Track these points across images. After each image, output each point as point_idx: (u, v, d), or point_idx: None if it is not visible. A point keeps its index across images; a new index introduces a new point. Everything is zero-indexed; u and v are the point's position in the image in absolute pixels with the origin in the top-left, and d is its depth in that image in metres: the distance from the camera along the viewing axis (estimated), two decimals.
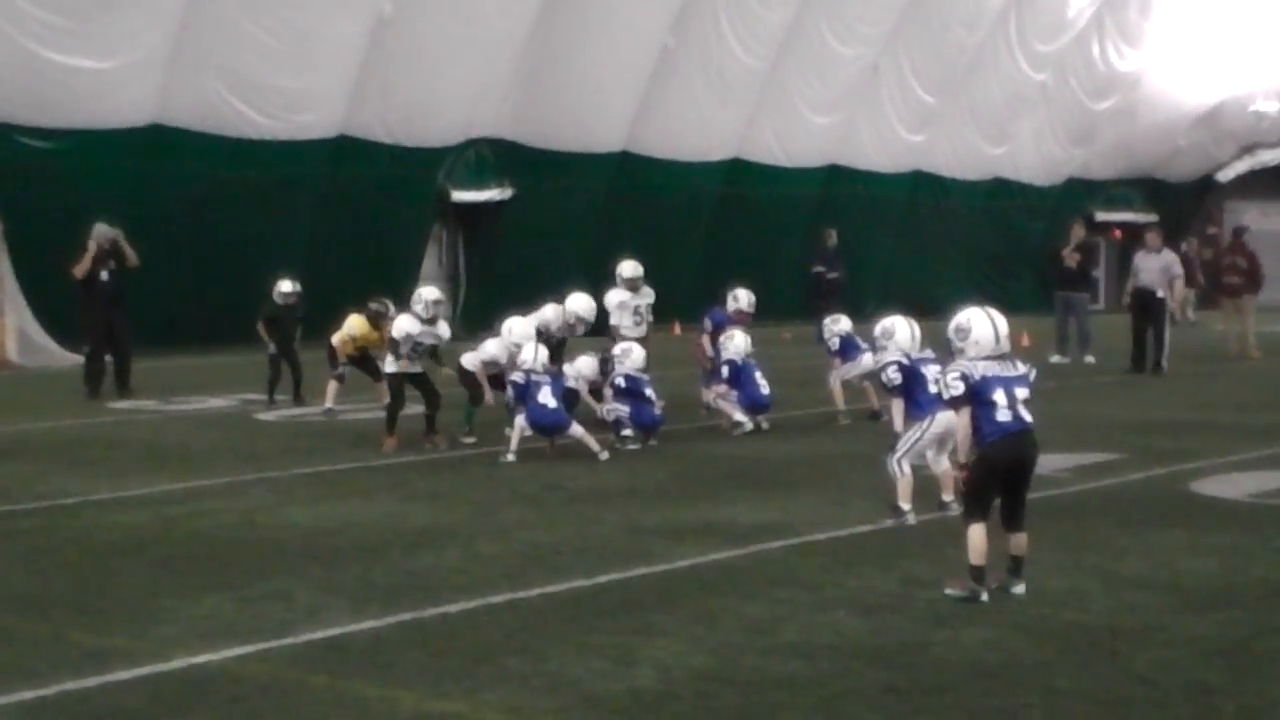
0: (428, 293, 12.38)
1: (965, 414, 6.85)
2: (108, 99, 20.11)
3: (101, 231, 16.60)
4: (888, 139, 30.80)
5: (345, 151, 22.92)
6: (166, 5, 19.99)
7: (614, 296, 14.14)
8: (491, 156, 25.29)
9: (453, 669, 5.79)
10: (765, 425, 13.07)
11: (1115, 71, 33.80)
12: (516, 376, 11.61)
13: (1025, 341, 20.82)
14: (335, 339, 13.97)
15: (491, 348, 12.35)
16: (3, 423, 13.97)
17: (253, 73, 21.23)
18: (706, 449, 12.11)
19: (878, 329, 9.44)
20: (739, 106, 27.54)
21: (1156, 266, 19.09)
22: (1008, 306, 24.67)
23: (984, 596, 6.75)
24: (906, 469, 8.61)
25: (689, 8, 25.58)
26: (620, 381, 12.29)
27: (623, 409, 12.18)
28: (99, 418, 14.58)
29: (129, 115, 20.56)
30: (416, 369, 12.24)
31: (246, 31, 20.84)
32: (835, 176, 30.31)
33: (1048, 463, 10.97)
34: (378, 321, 13.61)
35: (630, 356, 12.49)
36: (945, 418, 8.28)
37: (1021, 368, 6.97)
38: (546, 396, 11.44)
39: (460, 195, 25.22)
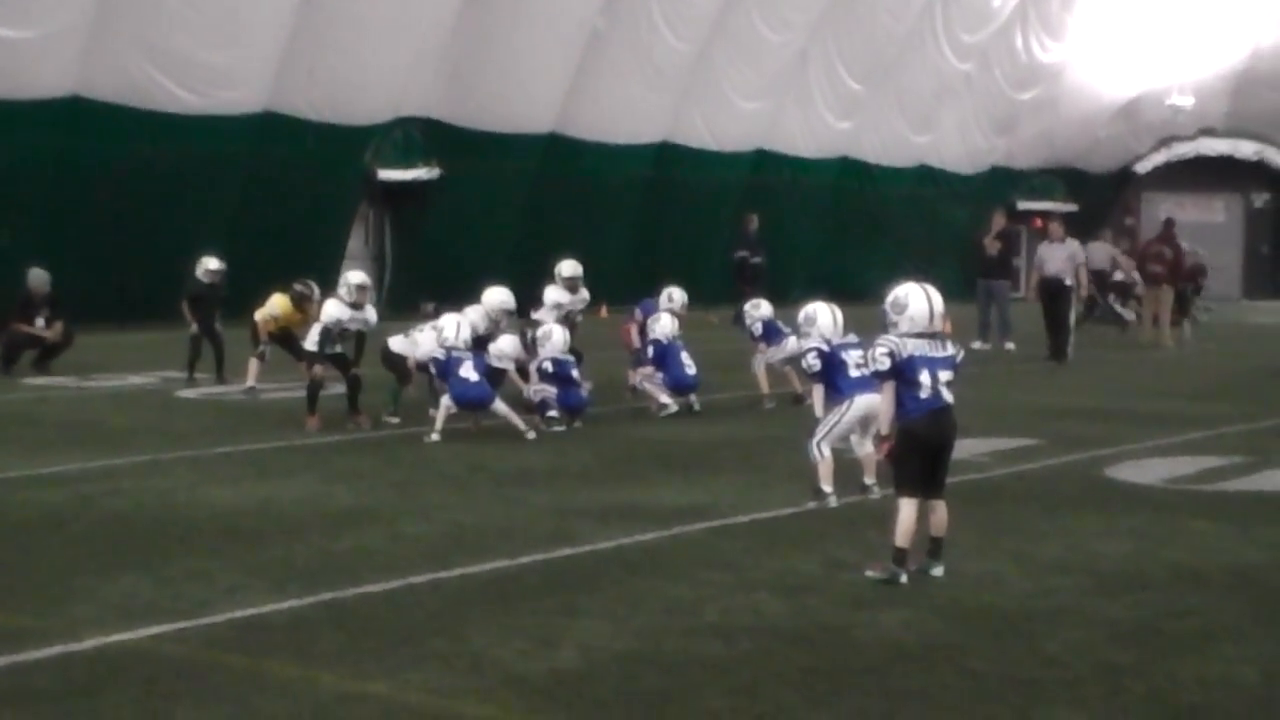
0: (354, 277, 12.27)
1: (889, 388, 6.94)
2: (25, 70, 19.67)
3: (37, 276, 16.34)
4: (815, 126, 30.99)
5: (270, 129, 22.63)
6: None
7: (551, 295, 13.99)
8: (419, 136, 25.12)
9: (374, 650, 5.77)
10: (697, 406, 13.12)
11: (1038, 63, 34.23)
12: (438, 353, 11.56)
13: (946, 327, 21.05)
14: (258, 317, 13.82)
15: (428, 345, 12.11)
16: None
17: (176, 46, 20.89)
18: (632, 431, 12.13)
19: (800, 315, 9.52)
20: (668, 91, 27.56)
21: (1062, 255, 19.47)
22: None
23: (903, 579, 6.83)
24: (827, 452, 8.69)
25: None
26: (547, 365, 12.27)
27: (550, 390, 12.18)
28: (15, 394, 14.32)
29: (47, 87, 20.13)
30: (336, 349, 12.15)
31: (170, 4, 20.50)
32: (763, 162, 30.45)
33: (967, 448, 11.12)
34: (301, 303, 13.48)
35: (551, 340, 12.47)
36: (864, 401, 8.46)
37: (950, 349, 7.05)
38: (469, 371, 11.40)
39: (387, 174, 25.03)
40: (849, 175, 32.53)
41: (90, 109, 20.61)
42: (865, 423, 8.55)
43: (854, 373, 8.70)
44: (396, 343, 12.44)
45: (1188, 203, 37.95)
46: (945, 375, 6.94)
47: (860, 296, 31.63)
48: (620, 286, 23.01)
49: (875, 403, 7.81)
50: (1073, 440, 11.65)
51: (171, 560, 7.23)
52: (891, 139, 32.94)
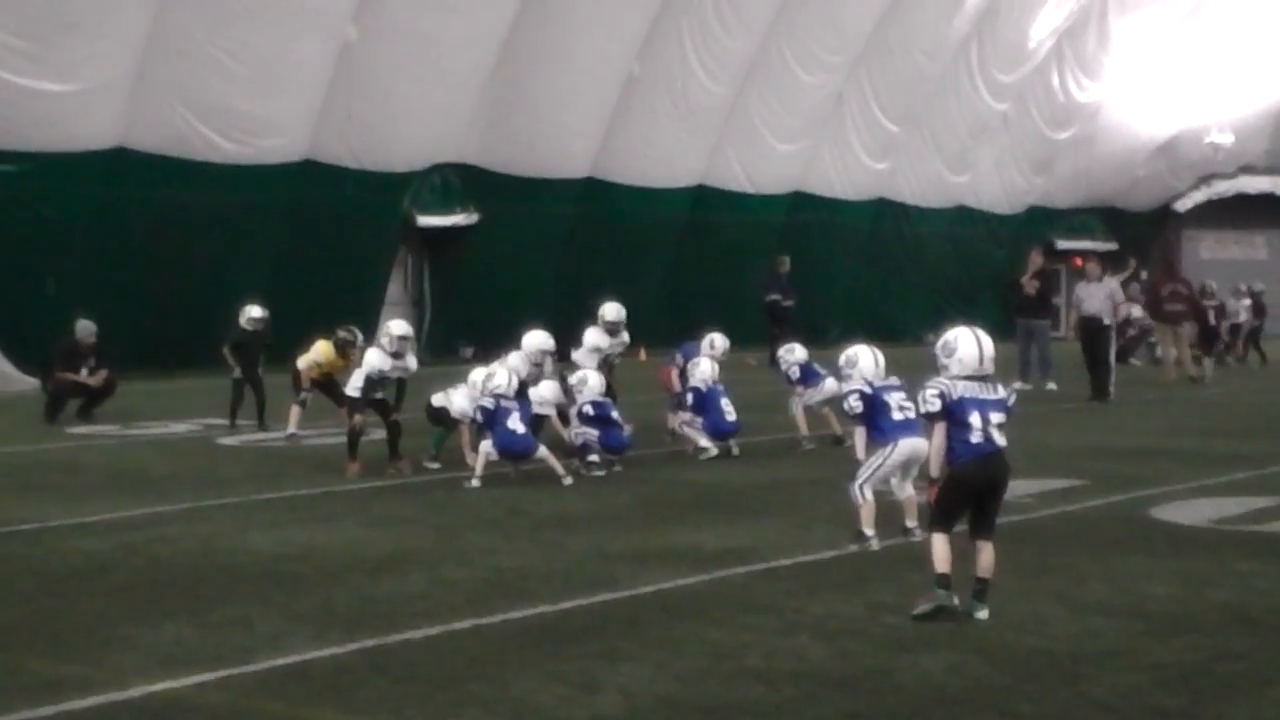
0: (396, 328, 12.29)
1: (940, 430, 6.94)
2: (71, 123, 20.00)
3: (84, 328, 16.56)
4: (851, 166, 31.03)
5: (310, 176, 22.87)
6: (131, 29, 19.92)
7: (591, 338, 13.91)
8: (457, 181, 25.31)
9: (415, 696, 5.76)
10: (736, 451, 13.08)
11: (1075, 102, 34.19)
12: (486, 402, 11.58)
13: None
14: (301, 364, 13.90)
15: (461, 403, 12.13)
16: None
17: (217, 97, 21.17)
18: (671, 474, 12.10)
19: (842, 359, 9.47)
20: (704, 134, 27.68)
21: (1100, 295, 19.36)
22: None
23: (954, 601, 6.80)
24: (869, 495, 8.64)
25: (654, 36, 25.72)
26: (588, 409, 12.27)
27: (591, 433, 12.16)
28: (58, 443, 14.45)
29: (92, 139, 20.46)
30: (378, 395, 12.20)
31: (211, 56, 20.79)
32: (800, 204, 30.49)
33: (1010, 489, 11.05)
34: (345, 349, 13.55)
35: (588, 385, 12.46)
36: (908, 444, 8.48)
37: (1001, 391, 7.06)
38: (515, 422, 11.42)
39: (425, 220, 25.21)
40: (886, 216, 32.52)
41: (134, 160, 20.91)
42: (908, 466, 8.57)
43: (896, 415, 8.64)
44: (438, 399, 12.42)
45: (1229, 240, 37.71)
46: (997, 417, 6.96)
47: (898, 337, 31.64)
48: (657, 329, 23.06)
49: (919, 446, 7.95)
50: (1116, 480, 11.53)
51: (214, 607, 7.25)
52: (928, 179, 32.93)
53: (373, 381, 12.03)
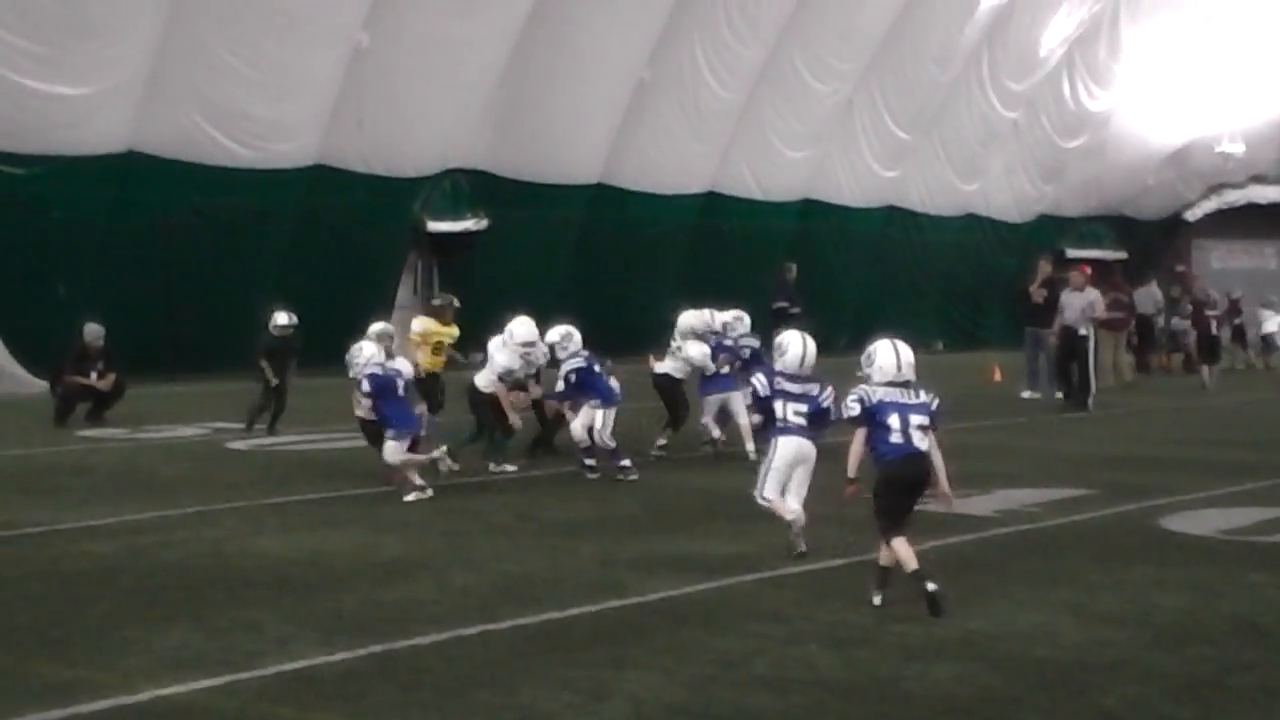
0: (521, 330, 12.29)
1: (859, 435, 7.46)
2: (83, 126, 20.04)
3: (92, 331, 16.58)
4: (862, 174, 31.00)
5: (321, 181, 22.90)
6: (143, 33, 19.97)
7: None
8: (467, 187, 25.32)
9: (423, 702, 5.76)
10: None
11: (1085, 110, 34.14)
12: (576, 363, 11.62)
13: (997, 376, 20.93)
14: (415, 335, 13.58)
15: (502, 358, 12.11)
16: None
17: (229, 101, 21.21)
18: (680, 481, 12.09)
19: (779, 344, 9.09)
20: (714, 140, 27.68)
21: (1080, 304, 19.27)
22: (979, 341, 24.70)
23: (931, 586, 7.16)
24: (772, 495, 8.64)
25: (665, 42, 25.73)
26: (571, 377, 12.07)
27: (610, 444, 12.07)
28: (67, 445, 14.47)
29: (104, 143, 20.49)
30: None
31: (223, 60, 20.83)
32: (810, 211, 30.47)
33: (1018, 498, 11.07)
34: (444, 313, 13.48)
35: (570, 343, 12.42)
36: (788, 445, 8.57)
37: (923, 397, 7.52)
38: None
39: (436, 225, 25.22)
40: (895, 224, 32.49)
41: (145, 163, 20.93)
42: (795, 464, 8.60)
43: (780, 417, 8.61)
44: (484, 379, 12.24)
45: (1239, 249, 37.61)
46: (917, 420, 7.40)
47: (907, 345, 31.58)
48: (666, 336, 23.01)
49: (801, 445, 8.52)
50: (1125, 490, 11.50)
51: (222, 611, 7.26)
52: (938, 187, 32.89)
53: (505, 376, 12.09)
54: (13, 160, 19.92)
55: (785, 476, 8.61)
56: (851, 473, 7.44)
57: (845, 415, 7.55)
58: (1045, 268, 21.46)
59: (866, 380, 7.54)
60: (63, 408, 16.23)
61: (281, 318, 15.42)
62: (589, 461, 12.02)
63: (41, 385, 18.66)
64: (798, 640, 6.72)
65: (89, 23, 19.39)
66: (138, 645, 6.59)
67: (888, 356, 7.59)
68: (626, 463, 11.94)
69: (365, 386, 11.18)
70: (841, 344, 30.26)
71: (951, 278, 33.80)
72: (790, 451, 8.55)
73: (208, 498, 10.97)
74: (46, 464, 13.11)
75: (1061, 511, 10.55)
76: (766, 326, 25.20)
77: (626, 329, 22.36)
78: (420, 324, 13.79)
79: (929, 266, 33.24)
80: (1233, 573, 8.35)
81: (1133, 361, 24.04)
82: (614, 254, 26.49)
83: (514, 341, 12.18)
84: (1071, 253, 35.37)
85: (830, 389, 8.81)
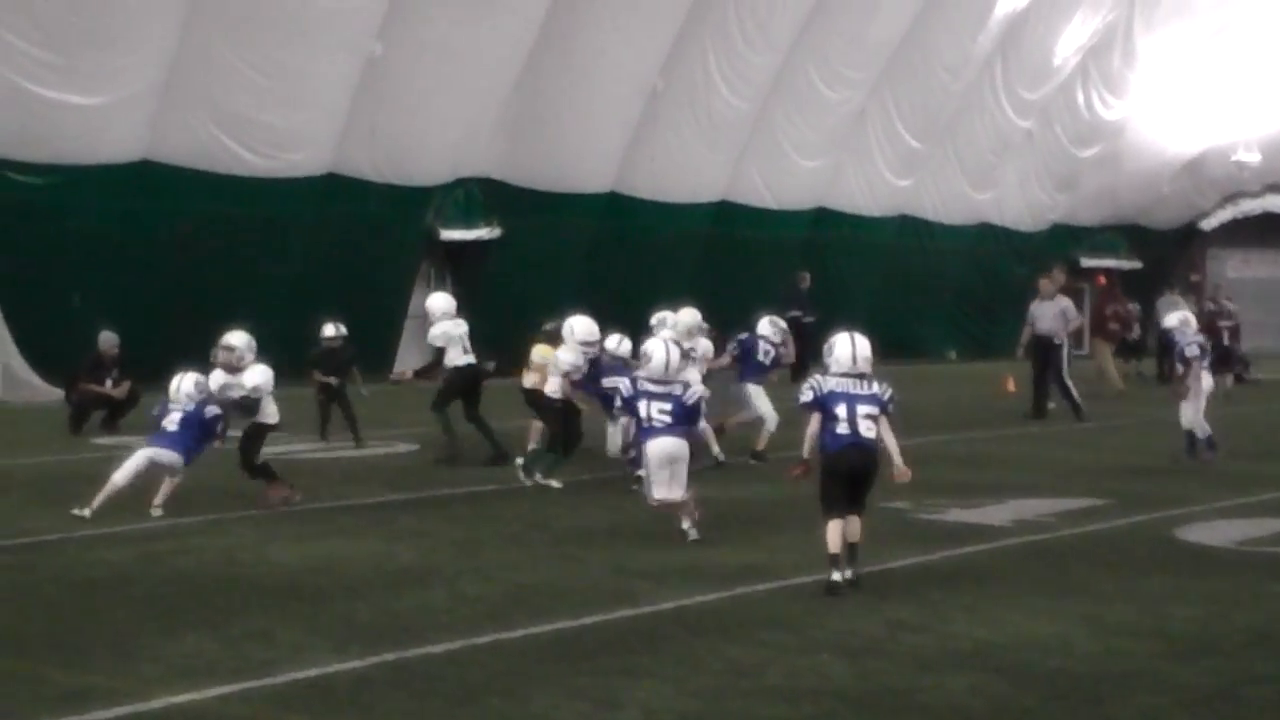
0: (582, 329, 12.24)
1: (814, 419, 8.02)
2: (97, 135, 20.10)
3: (107, 339, 16.61)
4: (874, 183, 30.98)
5: (334, 190, 22.94)
6: (157, 42, 20.04)
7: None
8: (480, 195, 25.35)
9: (436, 711, 5.76)
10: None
11: (1100, 119, 34.07)
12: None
13: (1010, 386, 20.88)
14: (534, 375, 13.05)
15: (567, 356, 11.97)
16: None
17: (243, 110, 21.27)
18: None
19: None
20: (727, 149, 27.67)
21: (1051, 313, 19.12)
22: (992, 351, 24.61)
23: (835, 576, 7.81)
24: (660, 495, 9.27)
25: (678, 50, 25.74)
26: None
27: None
28: (83, 454, 14.50)
29: (118, 151, 20.55)
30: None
31: (237, 69, 20.89)
32: (823, 220, 30.45)
33: (1032, 508, 11.05)
34: (556, 339, 13.02)
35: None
36: (654, 447, 9.19)
37: (875, 388, 8.02)
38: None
39: (449, 234, 25.26)
40: (909, 232, 32.45)
41: (159, 172, 20.99)
42: (664, 463, 9.20)
43: (644, 418, 9.29)
44: (553, 385, 11.99)
45: (1254, 259, 37.48)
46: (865, 410, 7.91)
47: (920, 354, 31.55)
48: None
49: (664, 444, 9.15)
50: (1140, 500, 11.47)
51: (236, 619, 7.27)
52: (951, 196, 32.85)
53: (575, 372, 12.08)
54: (28, 169, 20.00)
55: (663, 475, 9.20)
56: (805, 454, 8.06)
57: (801, 401, 8.11)
58: (1059, 277, 21.41)
59: (825, 370, 8.08)
60: (78, 415, 16.28)
61: (329, 329, 15.31)
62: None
63: (57, 393, 18.72)
64: (810, 650, 6.71)
65: (104, 33, 19.46)
66: (152, 653, 6.60)
67: (844, 349, 8.10)
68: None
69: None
70: None
71: (964, 287, 33.74)
72: (658, 452, 9.20)
73: (221, 506, 10.99)
74: (62, 472, 13.14)
75: (1076, 521, 10.52)
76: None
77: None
78: (540, 353, 13.18)
79: (942, 276, 33.19)
80: (1249, 584, 8.32)
81: (1128, 369, 24.24)
82: (626, 263, 26.49)
83: (575, 339, 12.07)
84: (1085, 262, 35.31)
85: (696, 389, 9.73)
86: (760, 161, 28.49)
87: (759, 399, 13.77)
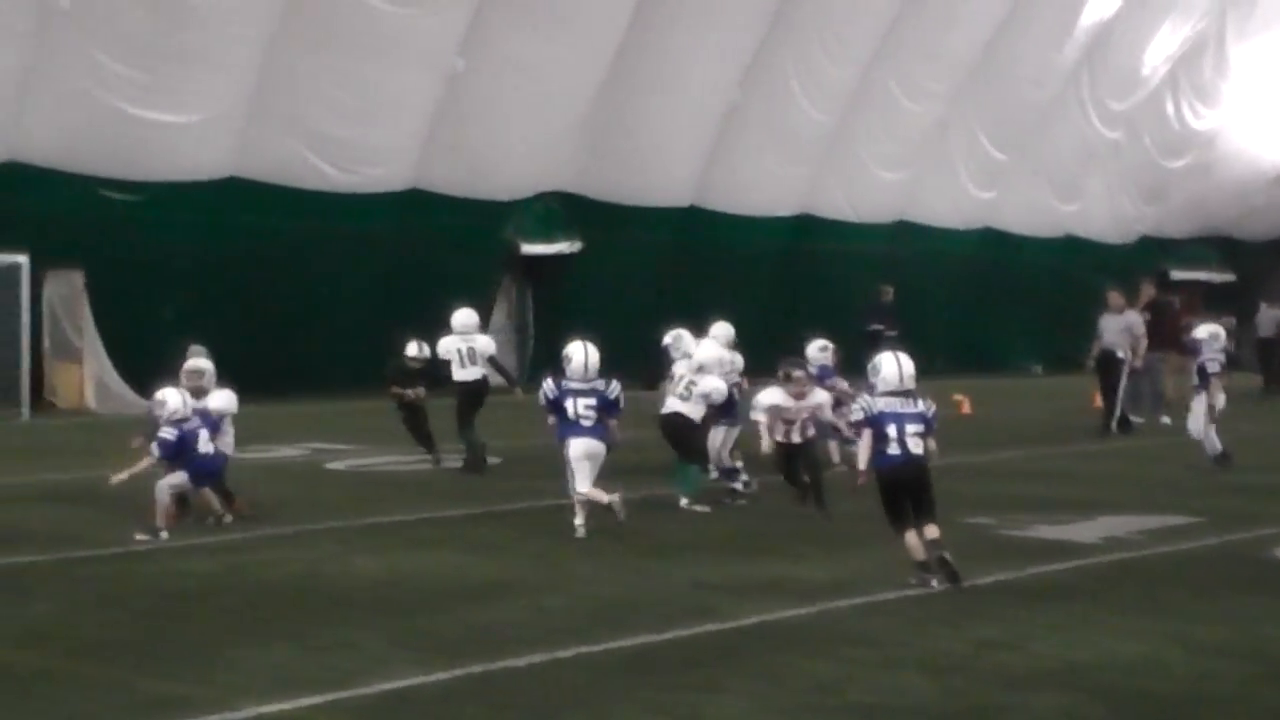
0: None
1: (866, 435, 8.49)
2: (187, 152, 20.51)
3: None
4: (956, 195, 30.71)
5: (415, 204, 23.18)
6: (244, 61, 20.40)
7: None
8: (560, 209, 25.47)
9: None
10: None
11: (1190, 129, 33.52)
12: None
13: (1098, 402, 20.54)
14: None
15: (712, 383, 11.65)
16: (79, 469, 14.16)
17: (326, 127, 21.58)
18: (771, 504, 12.01)
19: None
20: (806, 162, 27.59)
21: (1117, 327, 18.95)
22: (1078, 365, 24.16)
23: (934, 584, 8.16)
24: (584, 489, 10.09)
25: (758, 64, 25.71)
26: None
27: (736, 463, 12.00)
28: None
29: (207, 168, 20.95)
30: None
31: (321, 87, 21.20)
32: (903, 233, 30.24)
33: (1121, 525, 10.85)
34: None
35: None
36: (575, 445, 10.10)
37: (921, 405, 8.41)
38: (205, 443, 10.69)
39: (529, 248, 25.39)
40: (991, 245, 32.11)
41: (246, 188, 21.36)
42: (583, 458, 10.12)
43: (570, 418, 10.23)
44: (762, 406, 11.24)
45: None
46: (913, 428, 8.30)
47: (1002, 368, 31.18)
48: (758, 359, 22.91)
49: (588, 444, 10.08)
50: (1233, 518, 11.22)
51: (320, 630, 7.33)
52: (1036, 208, 32.46)
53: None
54: (120, 186, 20.43)
55: (584, 468, 10.08)
56: (862, 465, 8.52)
57: (851, 420, 8.94)
58: (1148, 290, 21.07)
59: (873, 389, 8.49)
60: None
61: (412, 348, 15.19)
62: (738, 482, 11.94)
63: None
64: (894, 667, 6.63)
65: (193, 52, 19.85)
66: (239, 663, 6.67)
67: (891, 368, 8.49)
68: (739, 484, 11.92)
69: (156, 450, 10.44)
70: (937, 367, 30.00)
71: (1049, 300, 33.31)
72: (578, 449, 10.13)
73: (305, 518, 11.10)
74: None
75: (1166, 539, 10.31)
76: (862, 349, 25.06)
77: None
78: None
79: (1026, 289, 32.79)
80: None
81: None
82: (705, 276, 26.46)
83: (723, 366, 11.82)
84: (1175, 275, 34.70)
85: (617, 384, 10.40)
86: (840, 174, 28.36)
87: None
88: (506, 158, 23.76)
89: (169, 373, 12.32)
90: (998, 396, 24.33)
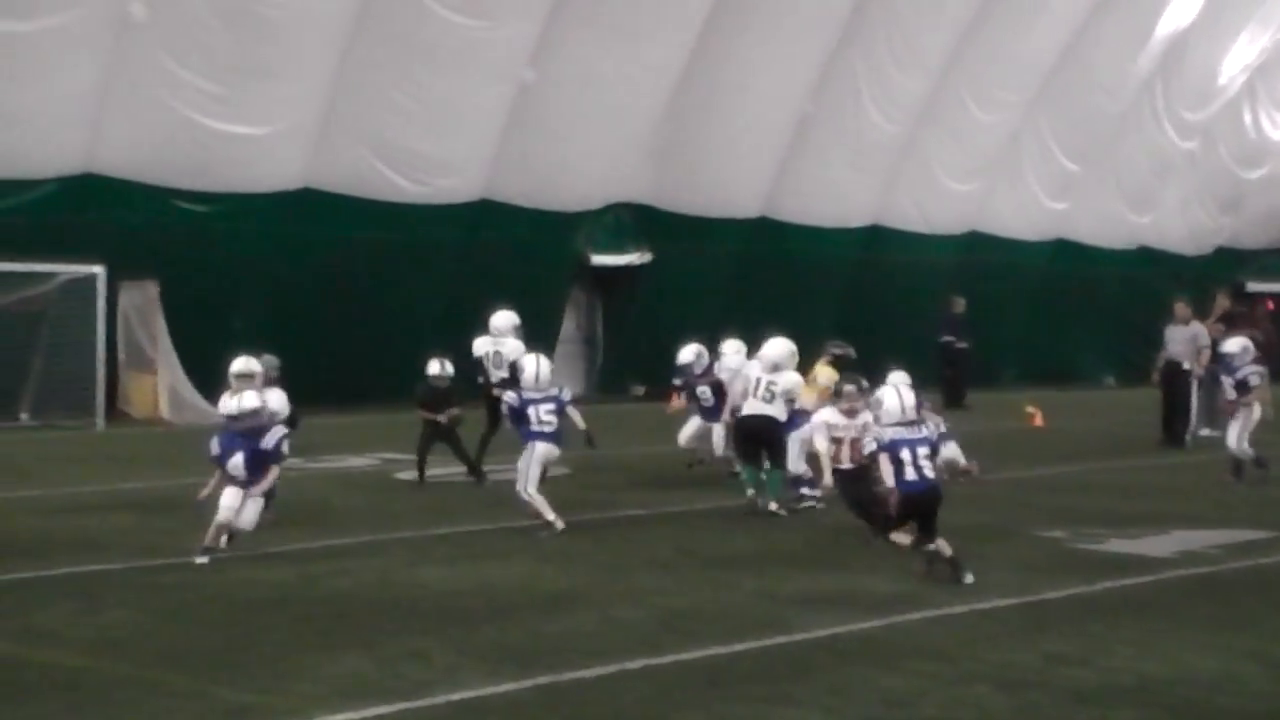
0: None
1: (883, 460, 9.09)
2: (261, 164, 20.78)
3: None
4: (1029, 206, 30.41)
5: (485, 215, 23.33)
6: (317, 74, 20.65)
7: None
8: (630, 221, 25.51)
9: None
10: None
11: (1267, 139, 33.00)
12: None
13: (1037, 420, 20.45)
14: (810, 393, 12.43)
15: (796, 379, 11.85)
16: (153, 478, 14.37)
17: (398, 138, 21.78)
18: (841, 517, 11.94)
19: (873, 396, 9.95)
20: (877, 173, 27.45)
21: (1183, 338, 18.70)
22: (1148, 377, 23.66)
23: (931, 546, 8.97)
24: (534, 492, 10.78)
25: (829, 75, 25.64)
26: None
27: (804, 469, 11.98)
28: None
29: (280, 179, 21.22)
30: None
31: (393, 99, 21.41)
32: (975, 244, 29.99)
33: (1198, 539, 10.69)
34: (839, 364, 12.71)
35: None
36: (542, 447, 10.82)
37: (925, 430, 9.24)
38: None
39: (599, 259, 25.45)
40: (1064, 257, 31.76)
41: (319, 199, 21.60)
42: (544, 462, 10.89)
43: (534, 426, 10.93)
44: (821, 420, 10.89)
45: None
46: (923, 451, 9.04)
47: (1075, 380, 30.80)
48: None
49: (550, 449, 10.89)
50: None
51: (391, 640, 7.38)
52: (1109, 219, 32.07)
53: None
54: (195, 198, 20.74)
55: (536, 473, 10.79)
56: (891, 484, 9.08)
57: (865, 452, 9.65)
58: (1223, 302, 20.77)
59: (878, 421, 9.28)
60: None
61: (434, 366, 15.00)
62: (809, 492, 11.91)
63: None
64: (966, 681, 6.57)
65: (267, 65, 20.12)
66: (311, 671, 6.74)
67: (893, 402, 9.25)
68: (806, 490, 11.92)
69: (214, 449, 10.39)
70: (1007, 379, 29.69)
71: (1123, 312, 32.86)
72: (541, 453, 10.84)
73: (376, 527, 11.19)
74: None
75: (1243, 554, 10.14)
76: (932, 361, 24.93)
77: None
78: (827, 375, 12.59)
79: (1099, 300, 32.39)
80: None
81: None
82: (776, 287, 26.40)
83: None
84: (1252, 286, 34.14)
85: (567, 389, 11.56)
86: (911, 185, 28.19)
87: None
88: (576, 169, 23.85)
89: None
90: (1070, 409, 24.04)
